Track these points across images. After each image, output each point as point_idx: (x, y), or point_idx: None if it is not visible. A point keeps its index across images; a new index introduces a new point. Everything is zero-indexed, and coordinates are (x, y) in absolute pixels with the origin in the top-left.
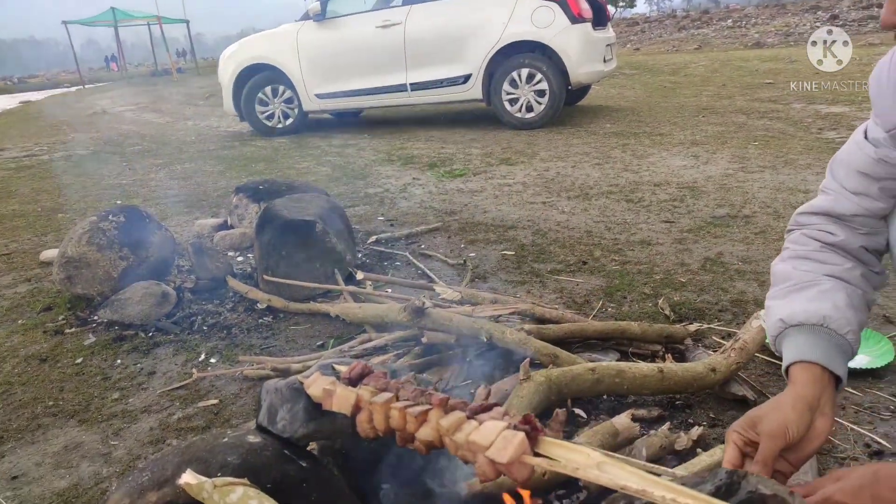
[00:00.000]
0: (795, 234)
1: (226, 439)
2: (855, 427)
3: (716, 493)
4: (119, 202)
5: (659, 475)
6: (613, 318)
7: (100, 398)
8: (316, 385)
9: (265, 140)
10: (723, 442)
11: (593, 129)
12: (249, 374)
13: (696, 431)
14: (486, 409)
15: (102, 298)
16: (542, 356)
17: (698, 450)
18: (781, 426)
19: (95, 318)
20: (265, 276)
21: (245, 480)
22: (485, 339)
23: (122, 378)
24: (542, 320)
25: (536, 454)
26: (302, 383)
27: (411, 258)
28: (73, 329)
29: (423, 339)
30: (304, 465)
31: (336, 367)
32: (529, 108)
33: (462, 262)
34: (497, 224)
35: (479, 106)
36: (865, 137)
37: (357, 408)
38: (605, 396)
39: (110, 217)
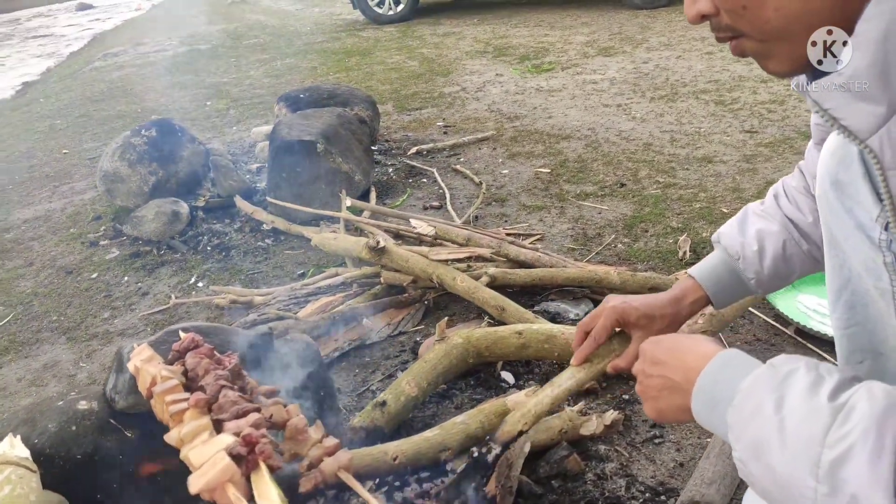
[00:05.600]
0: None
1: (60, 403)
2: None
3: None
4: (209, 103)
5: None
6: (619, 256)
7: (93, 316)
8: (133, 360)
9: (373, 29)
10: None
11: None
12: (220, 304)
13: (609, 416)
14: (245, 413)
15: None
16: (490, 307)
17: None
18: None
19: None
20: (268, 198)
21: (23, 460)
22: (436, 284)
23: (120, 297)
24: (515, 262)
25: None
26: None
27: (437, 176)
28: (106, 241)
29: (381, 280)
30: (129, 435)
31: (182, 333)
32: None
33: (478, 182)
34: (553, 133)
35: None
36: None
37: (150, 393)
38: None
39: (142, 132)
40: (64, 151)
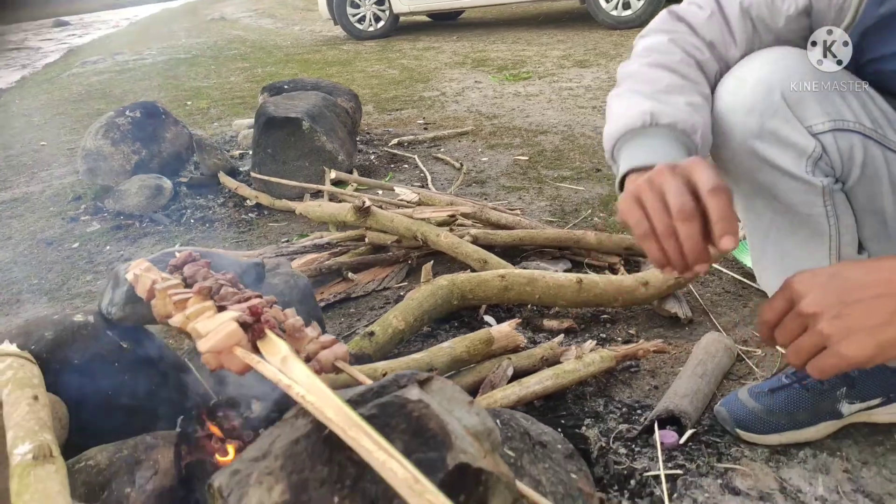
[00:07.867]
0: (659, 38)
1: (56, 316)
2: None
3: (366, 393)
4: (189, 103)
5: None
6: (596, 227)
7: (75, 279)
8: (131, 270)
9: (353, 44)
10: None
11: None
12: None
13: (587, 346)
14: (248, 298)
15: None
16: (472, 261)
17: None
18: None
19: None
20: (252, 174)
21: (23, 352)
22: (420, 241)
23: (102, 262)
24: (496, 225)
25: (258, 349)
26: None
27: (418, 161)
28: (86, 217)
29: (366, 239)
30: (124, 346)
31: (177, 252)
32: (627, 5)
33: (458, 165)
34: (531, 129)
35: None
36: None
37: (151, 293)
38: (530, 306)
39: (127, 112)
40: (42, 143)
